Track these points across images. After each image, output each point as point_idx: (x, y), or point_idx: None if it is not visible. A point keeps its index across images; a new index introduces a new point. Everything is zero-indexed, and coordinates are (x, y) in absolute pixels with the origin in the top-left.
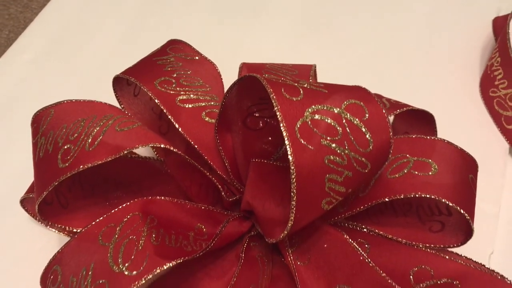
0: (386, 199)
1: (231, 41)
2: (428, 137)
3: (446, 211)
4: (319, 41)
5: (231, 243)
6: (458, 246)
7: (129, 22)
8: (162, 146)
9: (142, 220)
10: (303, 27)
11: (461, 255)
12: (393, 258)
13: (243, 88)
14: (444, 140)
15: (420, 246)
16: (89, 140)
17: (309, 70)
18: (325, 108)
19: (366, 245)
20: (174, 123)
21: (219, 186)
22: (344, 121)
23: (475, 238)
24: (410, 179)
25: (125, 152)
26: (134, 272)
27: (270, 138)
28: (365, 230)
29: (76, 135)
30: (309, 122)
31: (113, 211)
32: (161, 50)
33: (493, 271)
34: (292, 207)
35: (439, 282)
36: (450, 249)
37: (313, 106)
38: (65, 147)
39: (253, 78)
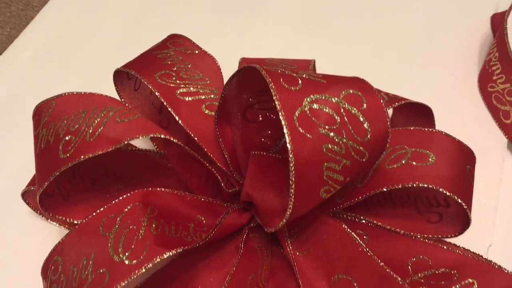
0: (384, 189)
1: (231, 40)
2: (426, 129)
3: (444, 203)
4: (319, 41)
5: (230, 235)
6: (455, 236)
7: (130, 20)
8: (162, 136)
9: (142, 211)
10: (303, 27)
11: (459, 246)
12: (392, 248)
13: (242, 80)
14: (442, 132)
15: (418, 236)
16: (90, 131)
17: (308, 65)
18: (323, 97)
19: (364, 237)
20: (174, 115)
21: (219, 177)
22: (342, 110)
23: (473, 231)
24: (408, 169)
25: (125, 142)
26: (134, 261)
27: (269, 132)
28: (363, 221)
29: (77, 126)
30: (308, 112)
31: (113, 202)
32: (162, 44)
33: (491, 261)
34: (291, 195)
35: (437, 272)
36: (448, 240)
37: (312, 96)
38: (66, 138)
39: (252, 69)
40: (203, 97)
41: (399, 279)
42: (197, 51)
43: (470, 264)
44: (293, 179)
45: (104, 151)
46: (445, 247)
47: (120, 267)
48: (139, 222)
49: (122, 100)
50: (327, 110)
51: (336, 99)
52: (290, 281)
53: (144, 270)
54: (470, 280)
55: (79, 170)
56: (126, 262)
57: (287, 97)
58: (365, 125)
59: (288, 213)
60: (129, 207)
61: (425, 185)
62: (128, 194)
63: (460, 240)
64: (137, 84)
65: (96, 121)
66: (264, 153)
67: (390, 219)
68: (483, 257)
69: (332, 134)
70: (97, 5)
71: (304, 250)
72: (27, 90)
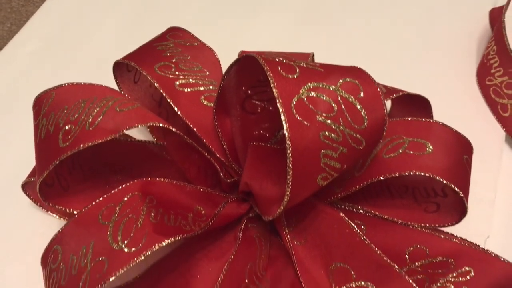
0: (381, 178)
1: (230, 35)
2: (423, 119)
3: (441, 193)
4: (318, 35)
5: (229, 225)
6: (453, 225)
7: (130, 15)
8: (161, 125)
9: (141, 200)
10: (302, 21)
11: (456, 235)
12: (389, 238)
13: (241, 70)
14: (439, 122)
15: (416, 226)
16: (90, 120)
17: (306, 58)
18: (321, 85)
19: (362, 226)
20: (173, 106)
21: (218, 168)
22: (339, 98)
23: (471, 223)
24: (405, 158)
25: (124, 131)
26: (133, 249)
27: (267, 124)
28: (361, 211)
29: (76, 115)
30: (305, 99)
31: (112, 191)
32: (161, 37)
33: (487, 250)
34: (288, 181)
35: (434, 260)
36: (445, 230)
37: (309, 84)
38: (66, 127)
39: (250, 58)
40: (202, 88)
41: (397, 267)
42: (196, 43)
43: (467, 253)
44: (290, 165)
45: (104, 140)
46: (442, 236)
47: (119, 255)
48: (138, 211)
49: (122, 92)
50: (324, 98)
51: (334, 87)
52: (288, 270)
53: (143, 257)
54: (467, 268)
55: (79, 161)
56: (125, 250)
57: (284, 84)
58: (362, 113)
59: (286, 200)
60: (128, 196)
61: (422, 174)
62: (128, 184)
63: (458, 232)
64: (137, 77)
65: (95, 111)
66: (263, 144)
67: (388, 209)
68: (480, 246)
69: (329, 121)
70: (97, 1)
71: (302, 239)
72: (27, 85)
